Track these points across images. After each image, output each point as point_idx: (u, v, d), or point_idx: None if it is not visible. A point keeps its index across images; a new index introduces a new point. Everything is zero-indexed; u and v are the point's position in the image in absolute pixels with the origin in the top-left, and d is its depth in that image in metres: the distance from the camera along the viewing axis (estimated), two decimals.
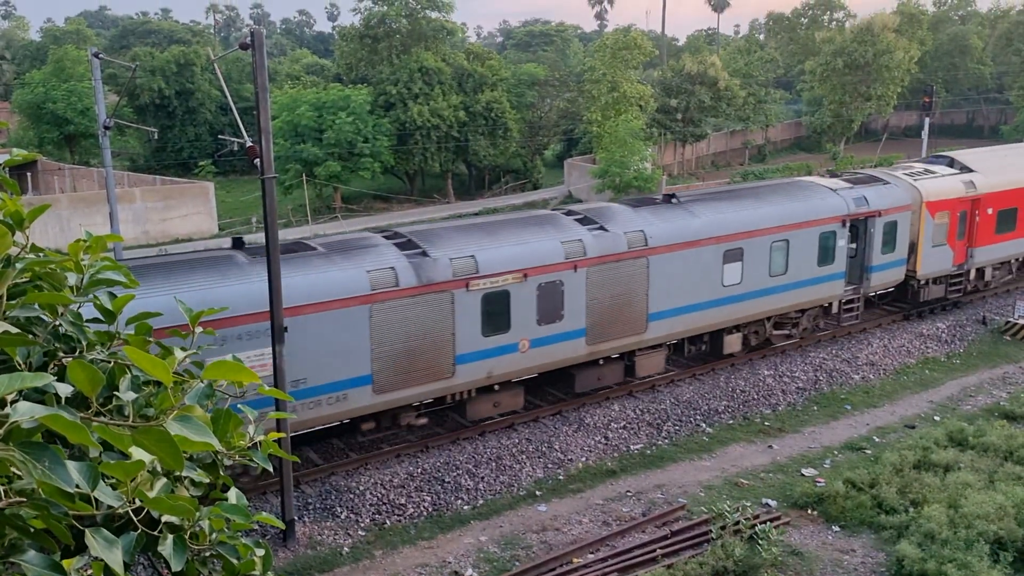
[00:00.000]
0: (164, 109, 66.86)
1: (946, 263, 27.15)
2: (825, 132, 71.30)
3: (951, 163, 28.66)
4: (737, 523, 15.88)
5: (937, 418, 21.37)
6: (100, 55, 22.84)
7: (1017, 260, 30.12)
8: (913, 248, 26.14)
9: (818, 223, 23.38)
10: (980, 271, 28.59)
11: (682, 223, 21.07)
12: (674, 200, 22.31)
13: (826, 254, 23.75)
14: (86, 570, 2.51)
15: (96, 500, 2.31)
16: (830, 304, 24.83)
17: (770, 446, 20.05)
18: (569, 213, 21.31)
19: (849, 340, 25.51)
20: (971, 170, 27.90)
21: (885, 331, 26.36)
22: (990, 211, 27.65)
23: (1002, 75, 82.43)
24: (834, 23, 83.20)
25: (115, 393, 2.62)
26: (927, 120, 50.57)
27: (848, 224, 24.04)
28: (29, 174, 56.19)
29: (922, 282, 26.86)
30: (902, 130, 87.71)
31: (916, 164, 29.34)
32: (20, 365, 2.61)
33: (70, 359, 2.69)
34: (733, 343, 23.04)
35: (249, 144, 14.88)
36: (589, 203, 25.61)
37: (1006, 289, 30.36)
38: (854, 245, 24.79)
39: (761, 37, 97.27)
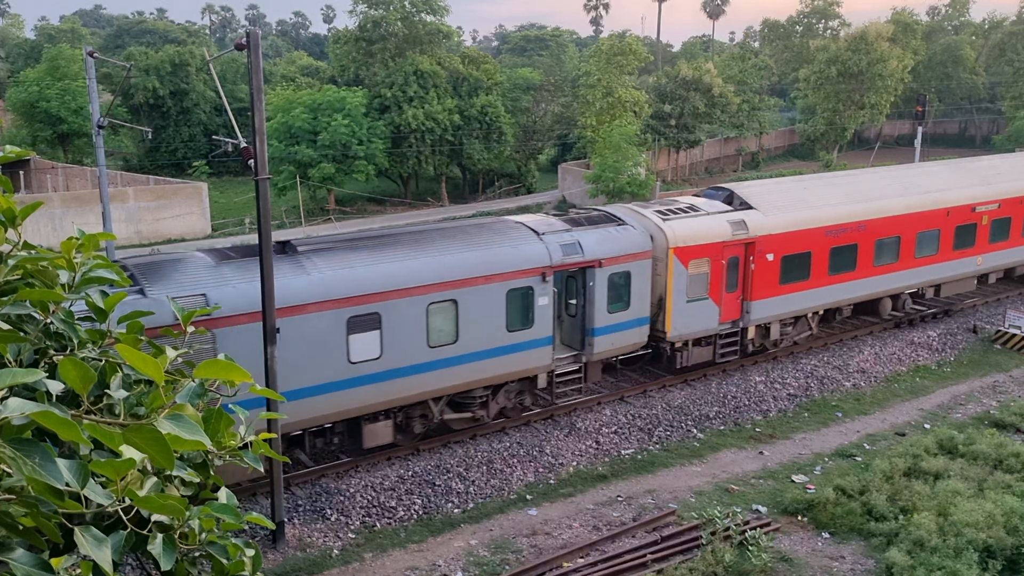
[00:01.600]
0: (158, 109, 66.74)
1: (709, 321, 22.23)
2: (819, 140, 71.58)
3: (729, 198, 23.70)
4: (727, 529, 15.90)
5: (927, 426, 21.45)
6: (95, 54, 22.79)
7: (816, 314, 24.99)
8: (662, 304, 21.47)
9: (505, 277, 18.34)
10: (764, 328, 23.75)
11: (282, 282, 15.76)
12: (290, 249, 17.36)
13: (520, 316, 18.86)
14: (75, 569, 2.50)
15: (86, 498, 2.30)
16: (536, 376, 19.79)
17: (761, 452, 20.09)
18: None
19: (840, 347, 25.58)
20: (750, 207, 23.16)
21: (876, 339, 26.44)
22: (771, 257, 22.81)
23: (995, 85, 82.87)
24: (829, 31, 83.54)
25: (106, 391, 2.62)
26: (920, 129, 50.77)
27: (552, 277, 19.16)
28: (22, 172, 56.00)
29: (677, 345, 22.01)
30: (895, 139, 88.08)
31: (684, 199, 24.38)
32: (11, 362, 2.60)
33: (61, 357, 2.68)
34: (380, 433, 17.97)
35: (243, 145, 14.86)
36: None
37: (997, 298, 30.50)
38: (575, 302, 20.59)
39: (756, 44, 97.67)
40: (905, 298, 27.37)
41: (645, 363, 23.45)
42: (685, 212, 22.43)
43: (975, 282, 29.19)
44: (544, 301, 19.05)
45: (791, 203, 23.89)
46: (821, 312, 25.15)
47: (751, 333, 23.39)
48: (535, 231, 19.73)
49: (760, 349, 24.09)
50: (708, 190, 25.06)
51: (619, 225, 21.01)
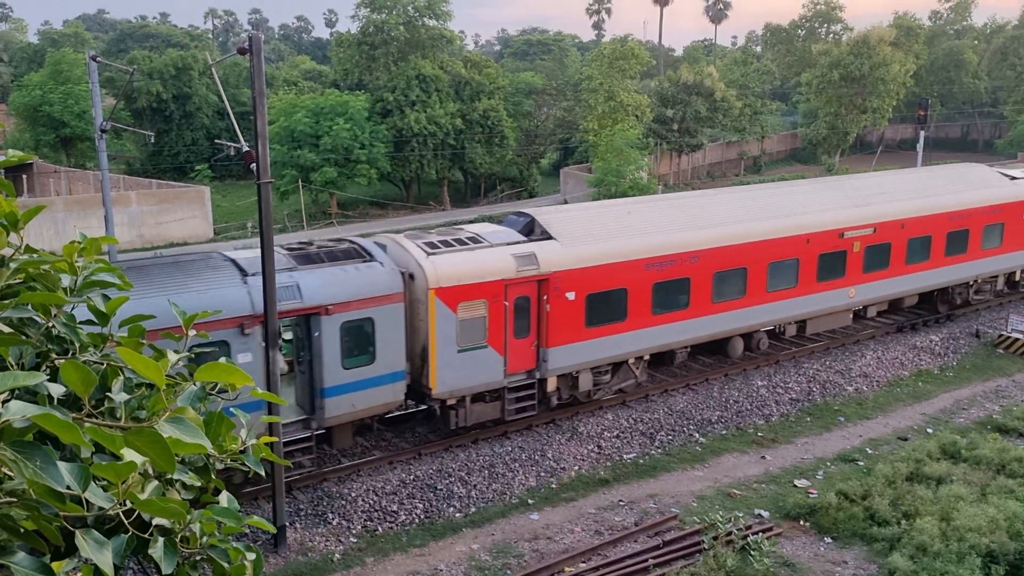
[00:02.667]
0: (161, 113, 66.88)
1: (492, 373, 18.72)
2: (821, 144, 71.60)
3: (530, 225, 20.11)
4: (729, 533, 15.88)
5: (930, 430, 21.41)
6: (98, 58, 22.85)
7: (641, 359, 21.34)
8: (425, 355, 17.99)
9: (183, 330, 11.42)
10: (572, 377, 20.19)
11: None
12: None
13: None
14: (76, 572, 2.50)
15: (87, 501, 2.30)
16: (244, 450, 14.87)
17: (763, 456, 20.06)
18: None
19: (843, 351, 25.54)
20: (550, 236, 19.63)
21: (879, 343, 26.41)
22: (572, 296, 19.33)
23: (997, 89, 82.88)
24: (831, 36, 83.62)
25: (108, 395, 2.62)
26: (922, 133, 50.78)
27: (256, 329, 15.67)
28: (25, 176, 56.10)
29: (449, 402, 18.52)
30: (897, 143, 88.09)
31: (472, 227, 20.79)
32: (12, 365, 2.61)
33: (63, 360, 2.68)
34: None
35: (246, 149, 14.88)
36: None
37: (999, 303, 30.47)
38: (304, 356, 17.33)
39: (758, 49, 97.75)
40: (760, 337, 24.11)
41: (418, 422, 20.25)
42: (459, 244, 18.78)
43: (851, 316, 25.84)
44: (246, 359, 15.48)
45: (603, 232, 20.14)
46: (647, 357, 21.46)
47: (552, 384, 19.80)
48: (242, 270, 16.41)
49: (570, 401, 20.54)
50: (511, 216, 21.20)
51: (364, 262, 17.59)
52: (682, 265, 21.00)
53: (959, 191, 27.64)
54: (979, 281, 28.92)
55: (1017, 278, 30.42)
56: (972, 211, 27.46)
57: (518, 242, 19.36)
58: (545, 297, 19.06)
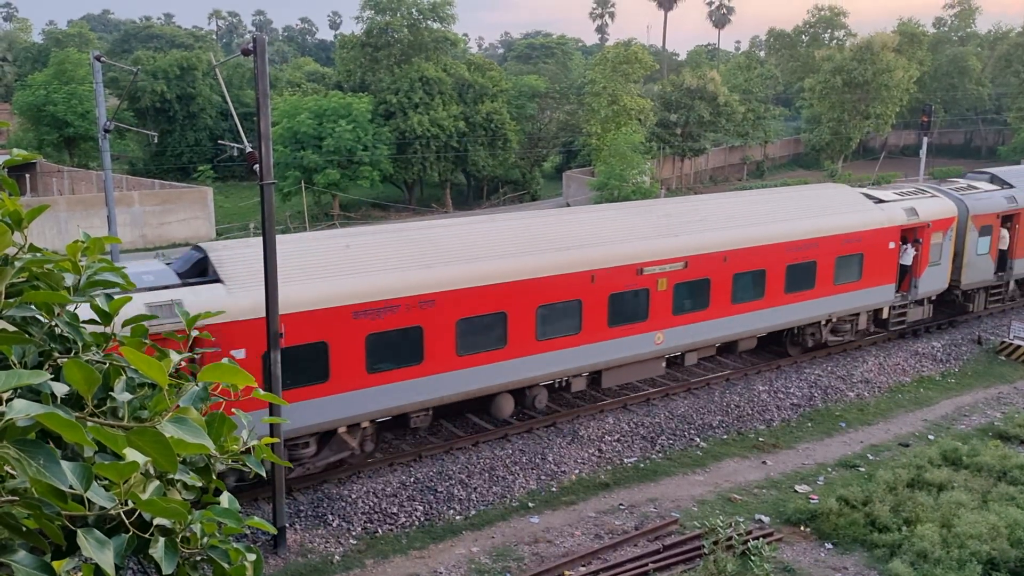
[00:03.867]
0: (164, 113, 66.97)
1: None
2: (824, 149, 71.60)
3: (201, 265, 16.70)
4: (730, 538, 15.85)
5: (931, 437, 21.38)
6: (102, 58, 22.88)
7: (358, 427, 17.82)
8: None
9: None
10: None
11: None
12: None
13: None
14: (77, 572, 2.50)
15: (88, 501, 2.30)
16: None
17: (764, 462, 20.04)
18: None
19: (844, 358, 25.53)
20: (218, 278, 16.11)
21: (880, 349, 26.39)
22: (241, 354, 15.55)
23: (1000, 96, 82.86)
24: (834, 41, 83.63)
25: (110, 394, 2.62)
26: (925, 139, 50.80)
27: None
28: (28, 176, 56.18)
29: None
30: (900, 149, 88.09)
31: (137, 265, 16.98)
32: (15, 364, 2.61)
33: (66, 359, 2.69)
34: None
35: (249, 150, 14.90)
36: None
37: (1001, 309, 30.43)
38: None
39: (761, 54, 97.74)
40: (536, 393, 20.14)
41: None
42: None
43: (663, 364, 21.90)
44: None
45: (296, 271, 16.35)
46: (368, 424, 17.84)
47: None
48: None
49: (256, 480, 17.25)
50: (187, 251, 17.65)
51: None
52: (410, 313, 17.27)
53: (805, 217, 23.82)
54: (834, 320, 25.08)
55: (885, 315, 26.37)
56: (821, 240, 23.59)
57: (167, 286, 15.60)
58: (199, 357, 13.73)
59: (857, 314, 25.62)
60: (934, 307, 28.27)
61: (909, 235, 25.93)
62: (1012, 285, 30.22)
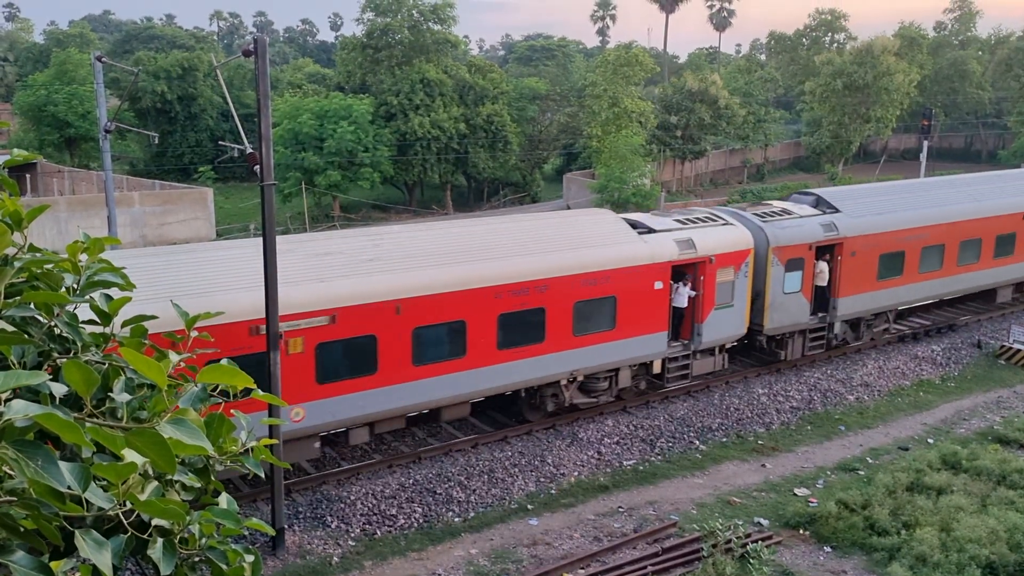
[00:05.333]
0: (165, 114, 66.99)
1: None
2: (824, 153, 71.59)
3: None
4: (729, 541, 15.85)
5: (931, 441, 21.37)
6: (103, 59, 22.89)
7: None
8: None
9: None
10: None
11: None
12: None
13: None
14: (75, 572, 2.50)
15: (87, 501, 2.30)
16: None
17: (763, 465, 20.03)
18: None
19: (844, 361, 25.52)
20: None
21: (880, 352, 26.38)
22: None
23: (1001, 100, 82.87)
24: (835, 45, 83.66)
25: (109, 395, 2.62)
26: (925, 143, 50.83)
27: None
28: (28, 176, 56.17)
29: None
30: (901, 152, 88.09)
31: None
32: (14, 364, 2.61)
33: (65, 360, 2.68)
34: None
35: (249, 151, 14.90)
36: None
37: (1001, 313, 30.42)
38: None
39: (762, 57, 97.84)
40: None
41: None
42: None
43: (317, 446, 17.21)
44: None
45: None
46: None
47: None
48: None
49: None
50: None
51: None
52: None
53: (529, 254, 19.05)
54: (578, 379, 20.34)
55: (658, 370, 21.71)
56: (552, 282, 18.90)
57: None
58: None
59: (616, 369, 20.69)
60: (752, 352, 24.67)
61: (691, 272, 21.45)
62: (839, 327, 25.00)
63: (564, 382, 20.08)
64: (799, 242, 23.22)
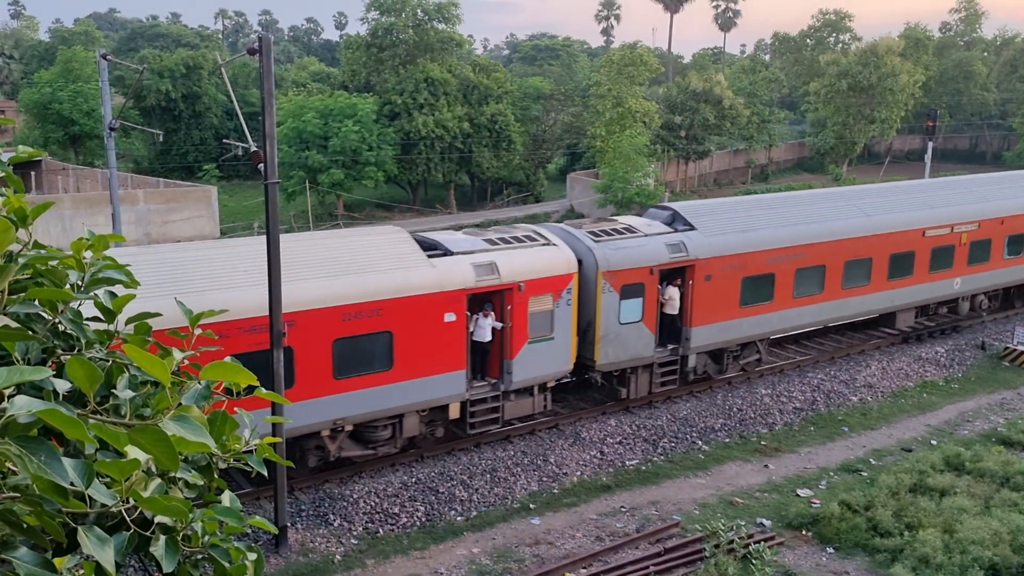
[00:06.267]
0: (170, 112, 67.08)
1: None
2: (828, 153, 71.51)
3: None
4: (731, 542, 15.83)
5: (934, 442, 21.34)
6: (108, 57, 22.92)
7: None
8: None
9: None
10: None
11: None
12: None
13: None
14: (78, 569, 2.50)
15: (90, 498, 2.30)
16: None
17: (766, 465, 20.01)
18: None
19: (847, 362, 25.48)
20: None
21: (883, 354, 26.34)
22: None
23: (1006, 102, 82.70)
24: (840, 45, 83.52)
25: (112, 392, 2.62)
26: (930, 144, 50.72)
27: None
28: (33, 173, 56.28)
29: None
30: (905, 153, 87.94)
31: None
32: (18, 360, 2.61)
33: (69, 356, 2.69)
34: None
35: (253, 149, 14.92)
36: None
37: (1005, 315, 30.34)
38: None
39: (767, 57, 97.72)
40: None
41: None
42: None
43: None
44: None
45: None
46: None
47: None
48: None
49: None
50: None
51: None
52: None
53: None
54: (345, 429, 17.48)
55: (456, 414, 18.82)
56: (300, 317, 16.12)
57: None
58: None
59: (400, 415, 17.93)
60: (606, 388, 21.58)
61: (496, 300, 18.77)
62: (694, 360, 22.02)
63: (326, 433, 17.25)
64: (637, 265, 20.21)
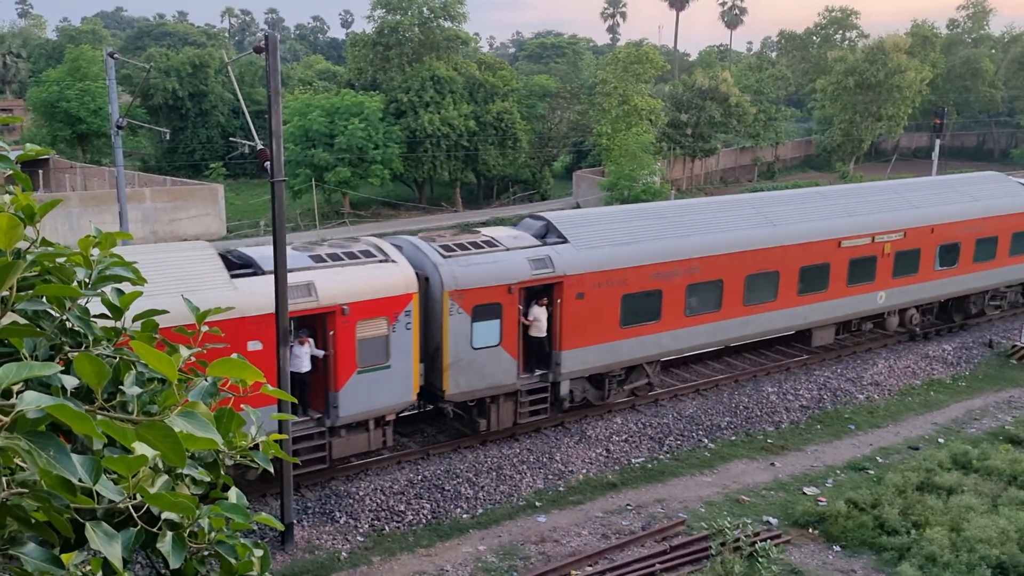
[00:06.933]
0: (177, 110, 67.24)
1: None
2: (835, 151, 71.36)
3: None
4: (737, 540, 15.81)
5: (941, 440, 21.28)
6: (115, 55, 22.98)
7: None
8: None
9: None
10: None
11: None
12: None
13: None
14: (85, 565, 2.52)
15: (97, 494, 2.31)
16: None
17: (772, 463, 19.98)
18: None
19: (854, 360, 25.42)
20: None
21: (891, 352, 26.27)
22: None
23: (1014, 99, 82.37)
24: (846, 42, 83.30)
25: (120, 388, 2.63)
26: (938, 142, 50.53)
27: None
28: (41, 172, 56.51)
29: None
30: (912, 151, 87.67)
31: None
32: (26, 357, 2.62)
33: (76, 353, 2.70)
34: None
35: (260, 147, 14.95)
36: None
37: (1013, 313, 30.24)
38: None
39: (773, 55, 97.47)
40: None
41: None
42: None
43: None
44: None
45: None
46: None
47: None
48: None
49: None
50: None
51: None
52: None
53: None
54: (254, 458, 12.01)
55: (342, 456, 17.62)
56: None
57: None
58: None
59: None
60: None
61: (317, 325, 16.85)
62: (567, 387, 19.79)
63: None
64: (492, 283, 18.13)
